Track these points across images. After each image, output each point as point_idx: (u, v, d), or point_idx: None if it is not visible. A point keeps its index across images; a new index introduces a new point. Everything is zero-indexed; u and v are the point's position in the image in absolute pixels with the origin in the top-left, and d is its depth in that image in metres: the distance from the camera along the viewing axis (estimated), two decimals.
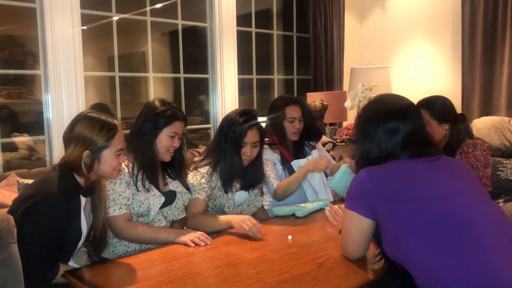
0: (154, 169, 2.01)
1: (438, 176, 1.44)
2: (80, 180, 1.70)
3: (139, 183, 1.96)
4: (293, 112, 2.59)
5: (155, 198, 1.97)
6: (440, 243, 1.30)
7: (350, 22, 4.73)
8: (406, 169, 1.46)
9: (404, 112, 1.53)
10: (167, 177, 2.11)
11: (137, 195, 1.95)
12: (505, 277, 1.22)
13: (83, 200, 1.72)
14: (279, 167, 2.60)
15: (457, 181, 1.44)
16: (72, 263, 1.74)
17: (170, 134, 1.98)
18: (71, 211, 1.67)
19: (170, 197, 2.06)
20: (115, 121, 1.75)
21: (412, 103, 1.58)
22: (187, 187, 2.13)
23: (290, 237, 1.87)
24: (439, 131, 2.35)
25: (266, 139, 2.61)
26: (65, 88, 2.93)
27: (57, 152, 2.90)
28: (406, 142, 1.48)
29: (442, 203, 1.36)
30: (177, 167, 2.13)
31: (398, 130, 1.49)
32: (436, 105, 2.37)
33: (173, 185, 2.10)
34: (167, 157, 2.02)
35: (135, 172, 1.96)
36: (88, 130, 1.69)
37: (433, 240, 1.31)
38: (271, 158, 2.59)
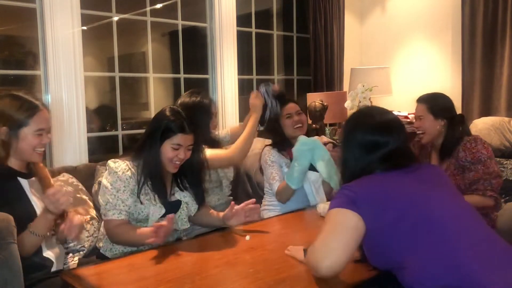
0: (158, 178, 1.97)
1: (413, 184, 1.49)
2: (12, 162, 1.71)
3: (142, 191, 1.93)
4: (289, 109, 2.64)
5: (155, 208, 1.93)
6: (416, 243, 1.38)
7: (350, 22, 4.73)
8: (385, 180, 1.50)
9: (388, 128, 1.55)
10: (175, 186, 2.07)
11: (138, 202, 1.93)
12: (472, 268, 1.30)
13: (24, 182, 1.72)
14: (285, 170, 2.59)
15: (432, 187, 1.50)
16: (47, 253, 1.75)
17: (173, 146, 1.93)
18: (8, 194, 1.66)
19: (172, 207, 2.01)
20: (39, 102, 1.75)
21: (397, 120, 1.61)
22: (200, 197, 2.09)
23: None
24: (433, 125, 2.38)
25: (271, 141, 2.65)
26: (65, 88, 2.93)
27: (57, 152, 2.90)
28: (384, 158, 1.51)
29: (417, 208, 1.42)
30: (190, 177, 2.07)
31: (378, 146, 1.52)
32: (434, 100, 2.40)
33: (180, 194, 2.06)
34: (171, 169, 1.97)
35: (141, 179, 1.93)
36: (8, 106, 1.70)
37: (411, 241, 1.38)
38: (278, 161, 2.58)
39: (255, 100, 2.50)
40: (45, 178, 1.83)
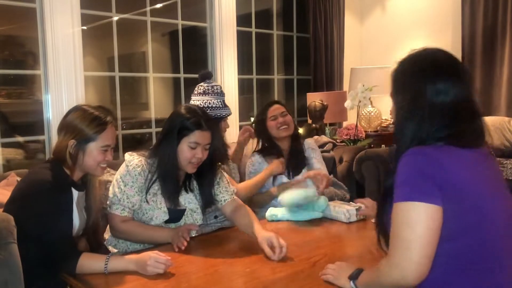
0: (171, 181, 1.90)
1: (490, 178, 1.24)
2: (70, 173, 1.71)
3: (150, 191, 1.89)
4: (273, 110, 2.64)
5: (160, 213, 1.89)
6: (463, 263, 1.17)
7: (350, 22, 4.73)
8: (466, 160, 1.19)
9: (457, 71, 1.24)
10: (182, 189, 1.98)
11: (145, 201, 1.89)
12: None
13: (75, 193, 1.73)
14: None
15: (501, 191, 1.26)
16: None
17: (190, 145, 1.85)
18: (62, 203, 1.66)
19: (176, 215, 1.94)
20: (108, 118, 1.75)
21: (466, 66, 1.35)
22: (208, 199, 2.00)
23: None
24: None
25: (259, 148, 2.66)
26: (65, 88, 2.94)
27: None
28: (456, 110, 1.19)
29: (490, 220, 1.18)
30: (205, 179, 1.98)
31: (447, 93, 1.20)
32: None
33: (186, 199, 1.97)
34: (189, 169, 1.90)
35: (152, 178, 1.89)
36: (79, 120, 1.71)
37: (462, 254, 1.17)
38: (259, 169, 2.57)
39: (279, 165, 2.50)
40: (95, 196, 1.83)
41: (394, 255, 1.15)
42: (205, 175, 1.98)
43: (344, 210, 2.11)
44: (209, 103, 2.37)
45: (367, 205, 2.06)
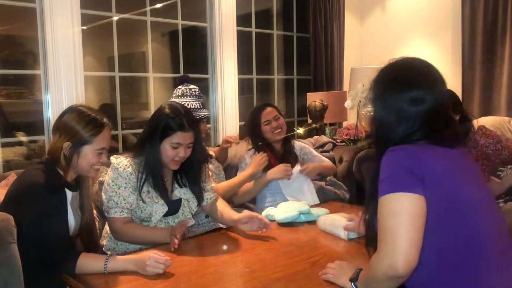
0: (159, 177, 1.95)
1: (469, 173, 1.30)
2: (64, 174, 1.71)
3: (144, 189, 1.92)
4: (266, 115, 2.68)
5: (158, 206, 1.92)
6: (451, 252, 1.19)
7: (350, 22, 4.73)
8: (442, 154, 1.26)
9: (433, 81, 1.31)
10: (175, 183, 2.05)
11: (141, 200, 1.92)
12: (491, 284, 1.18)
13: (69, 194, 1.73)
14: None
15: (480, 186, 1.32)
16: None
17: (172, 145, 1.90)
18: (56, 204, 1.66)
19: (174, 206, 1.99)
20: (104, 120, 1.74)
21: (441, 75, 1.36)
22: (199, 195, 2.06)
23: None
24: None
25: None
26: (65, 88, 2.94)
27: None
28: (429, 118, 1.26)
29: (468, 206, 1.23)
30: (191, 176, 2.05)
31: (422, 101, 1.27)
32: (451, 97, 2.42)
33: (180, 191, 2.04)
34: (172, 166, 1.95)
35: (142, 177, 1.92)
36: (75, 122, 1.70)
37: (446, 245, 1.19)
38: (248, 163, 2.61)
39: (287, 170, 2.54)
40: (88, 195, 1.84)
41: (382, 246, 1.17)
42: (192, 171, 2.04)
43: (343, 226, 1.94)
44: (188, 104, 2.39)
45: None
